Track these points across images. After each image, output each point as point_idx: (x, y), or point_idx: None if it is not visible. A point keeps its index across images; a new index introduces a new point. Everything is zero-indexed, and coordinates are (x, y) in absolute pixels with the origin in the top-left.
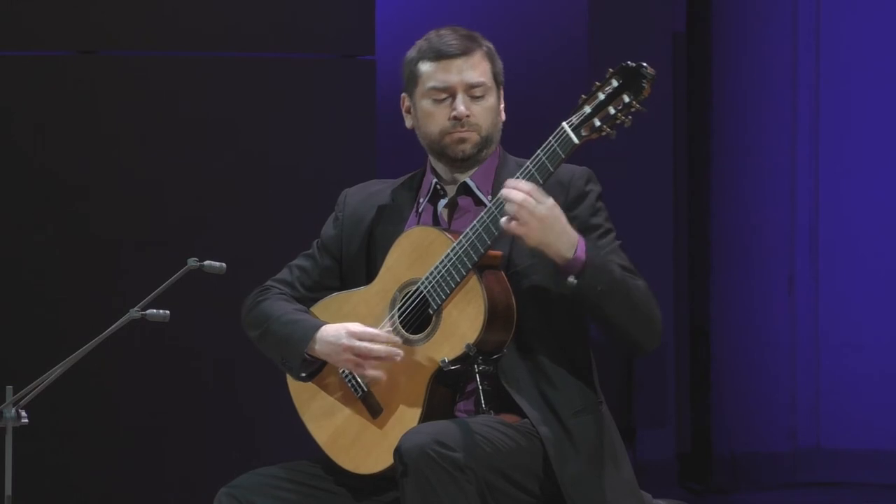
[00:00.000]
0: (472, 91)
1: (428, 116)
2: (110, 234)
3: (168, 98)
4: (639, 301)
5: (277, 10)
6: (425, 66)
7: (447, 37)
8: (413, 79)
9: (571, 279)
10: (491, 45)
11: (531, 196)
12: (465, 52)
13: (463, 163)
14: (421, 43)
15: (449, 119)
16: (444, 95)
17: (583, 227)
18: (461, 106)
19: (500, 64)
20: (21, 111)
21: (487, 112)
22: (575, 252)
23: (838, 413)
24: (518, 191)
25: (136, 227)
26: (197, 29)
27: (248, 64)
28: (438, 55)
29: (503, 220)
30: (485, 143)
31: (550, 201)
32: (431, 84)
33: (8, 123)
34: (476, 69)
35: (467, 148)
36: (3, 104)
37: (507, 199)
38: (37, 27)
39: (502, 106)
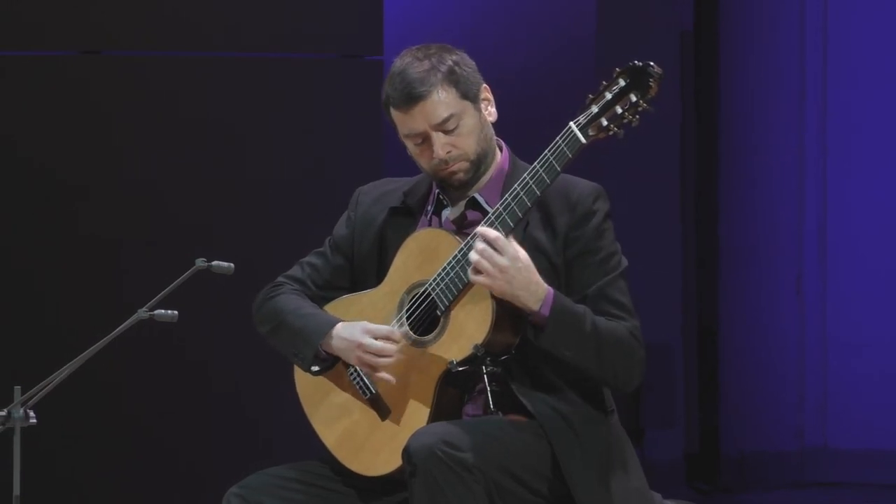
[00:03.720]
0: (444, 127)
1: (415, 155)
2: (112, 234)
3: (174, 98)
4: (610, 354)
5: (283, 10)
6: (393, 113)
7: (408, 74)
8: (391, 120)
9: (533, 336)
10: (452, 62)
11: (492, 246)
12: (423, 96)
13: (464, 185)
14: (387, 81)
15: (433, 159)
16: (419, 140)
17: (585, 250)
18: (438, 150)
19: (467, 76)
20: (22, 111)
21: (467, 137)
22: (540, 307)
23: (846, 413)
24: (480, 241)
25: (137, 228)
26: (199, 29)
27: (251, 64)
28: (399, 103)
29: (470, 272)
30: (478, 162)
31: (514, 251)
32: (404, 132)
33: (9, 123)
34: (439, 106)
35: (461, 176)
36: (4, 104)
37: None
38: (39, 27)
39: (489, 111)
